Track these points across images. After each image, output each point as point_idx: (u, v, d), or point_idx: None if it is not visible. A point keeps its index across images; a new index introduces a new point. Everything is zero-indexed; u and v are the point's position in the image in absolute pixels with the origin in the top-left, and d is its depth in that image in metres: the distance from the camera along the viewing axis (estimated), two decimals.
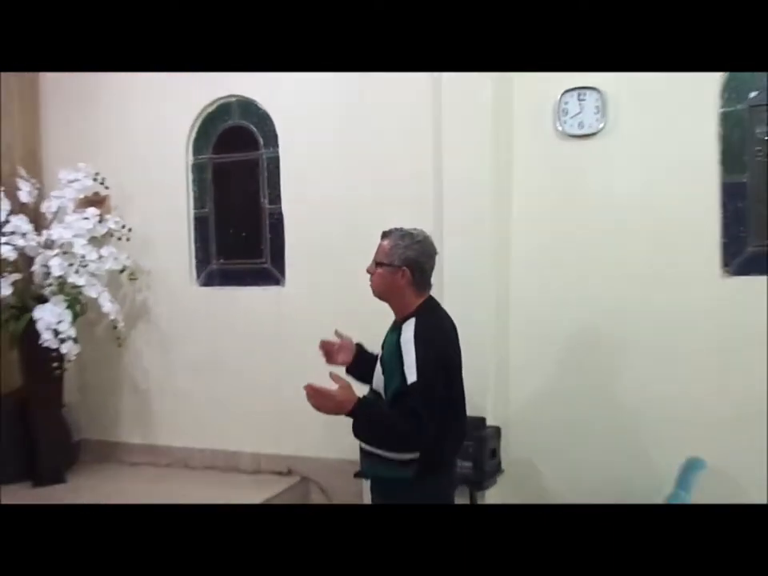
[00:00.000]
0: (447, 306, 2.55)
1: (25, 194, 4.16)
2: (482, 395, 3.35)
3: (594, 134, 3.40)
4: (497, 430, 3.45)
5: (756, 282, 3.14)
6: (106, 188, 4.34)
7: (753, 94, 3.20)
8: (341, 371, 2.43)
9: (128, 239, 4.28)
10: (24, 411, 4.18)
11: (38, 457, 4.15)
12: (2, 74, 4.11)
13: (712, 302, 3.21)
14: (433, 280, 2.45)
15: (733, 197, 3.22)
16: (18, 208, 4.13)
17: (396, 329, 2.37)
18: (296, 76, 3.76)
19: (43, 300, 3.98)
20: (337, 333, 2.65)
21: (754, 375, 3.09)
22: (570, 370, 3.48)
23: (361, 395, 2.28)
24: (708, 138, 3.23)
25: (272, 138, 4.17)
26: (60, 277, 3.97)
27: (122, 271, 4.26)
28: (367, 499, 2.67)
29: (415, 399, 2.19)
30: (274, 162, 4.17)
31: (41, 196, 4.29)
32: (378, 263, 2.40)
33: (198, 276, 4.42)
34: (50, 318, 3.87)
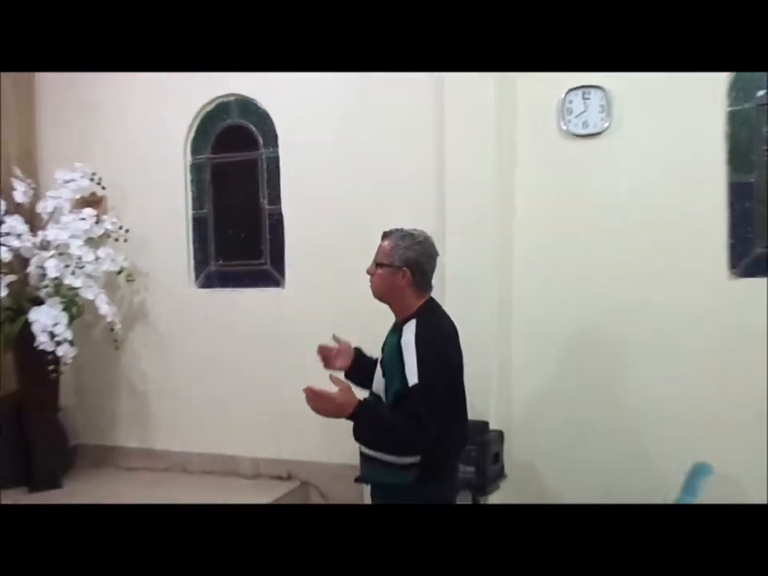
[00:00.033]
0: (449, 306, 2.53)
1: (20, 194, 4.11)
2: (484, 397, 3.33)
3: (598, 134, 3.37)
4: (500, 434, 3.42)
5: (756, 282, 3.12)
6: (103, 188, 4.29)
7: (760, 93, 3.17)
8: (339, 376, 2.40)
9: (125, 240, 4.24)
10: (19, 415, 4.14)
11: (33, 461, 4.10)
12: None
13: (713, 303, 3.19)
14: (434, 280, 2.43)
15: (740, 197, 3.19)
16: (14, 208, 4.08)
17: (396, 330, 2.35)
18: (296, 75, 3.72)
19: (39, 302, 3.94)
20: (335, 337, 2.62)
21: (755, 376, 3.08)
22: (573, 371, 3.47)
23: (361, 398, 2.25)
24: (715, 137, 3.20)
25: (272, 138, 4.13)
26: (56, 278, 3.93)
27: (119, 272, 4.23)
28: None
29: (416, 401, 2.16)
30: (274, 162, 4.13)
31: (36, 196, 4.24)
32: (378, 264, 2.38)
33: (197, 277, 4.38)
34: (46, 320, 3.83)
